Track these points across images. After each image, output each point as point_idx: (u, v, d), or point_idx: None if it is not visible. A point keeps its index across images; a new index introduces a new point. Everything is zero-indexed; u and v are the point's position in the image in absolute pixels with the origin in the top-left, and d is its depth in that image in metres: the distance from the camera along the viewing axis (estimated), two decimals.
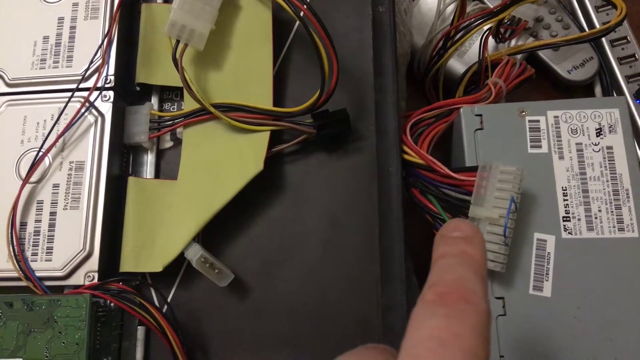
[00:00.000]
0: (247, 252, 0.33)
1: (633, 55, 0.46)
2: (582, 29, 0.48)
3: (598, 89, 0.47)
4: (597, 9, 0.48)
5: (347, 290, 0.32)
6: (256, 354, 0.32)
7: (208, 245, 0.32)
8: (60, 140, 0.32)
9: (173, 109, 0.36)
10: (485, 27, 0.43)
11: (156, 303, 0.32)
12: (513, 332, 0.30)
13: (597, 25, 0.47)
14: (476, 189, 0.30)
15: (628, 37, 0.47)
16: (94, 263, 0.31)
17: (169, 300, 0.32)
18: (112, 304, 0.31)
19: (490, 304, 0.30)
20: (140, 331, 0.32)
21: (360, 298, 0.32)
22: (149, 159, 0.34)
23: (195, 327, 0.32)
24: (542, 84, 0.47)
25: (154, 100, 0.35)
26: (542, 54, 0.47)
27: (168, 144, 0.35)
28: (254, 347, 0.32)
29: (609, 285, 0.30)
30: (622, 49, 0.47)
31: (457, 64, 0.46)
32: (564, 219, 0.31)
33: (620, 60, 0.47)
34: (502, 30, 0.45)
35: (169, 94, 0.36)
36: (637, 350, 0.29)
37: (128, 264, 0.31)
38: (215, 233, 0.33)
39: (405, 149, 0.34)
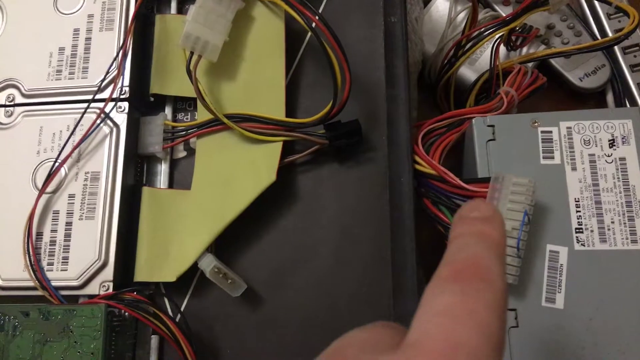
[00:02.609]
0: (259, 262, 0.33)
1: None
2: (594, 36, 0.47)
3: (610, 97, 0.47)
4: (609, 16, 0.48)
5: (359, 301, 0.32)
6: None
7: (220, 255, 0.33)
8: (76, 150, 0.33)
9: (187, 119, 0.36)
10: (497, 35, 0.43)
11: (170, 312, 0.32)
12: (525, 344, 0.30)
13: (609, 32, 0.47)
14: (488, 200, 0.30)
15: None
16: (109, 273, 0.31)
17: (182, 309, 0.33)
18: (126, 314, 0.31)
19: None
20: (154, 340, 0.32)
21: (372, 309, 0.32)
22: (163, 168, 0.35)
23: (208, 337, 0.32)
24: (553, 91, 0.47)
25: (168, 111, 0.36)
26: (554, 61, 0.47)
27: (182, 154, 0.35)
28: (265, 356, 0.32)
29: (622, 297, 0.30)
30: (635, 56, 0.47)
31: (468, 72, 0.46)
32: (577, 230, 0.31)
33: (632, 67, 0.46)
34: (513, 38, 0.45)
35: (183, 104, 0.36)
36: None
37: (142, 273, 0.32)
38: (228, 243, 0.33)
39: (417, 159, 0.34)
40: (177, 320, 0.31)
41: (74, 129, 0.33)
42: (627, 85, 0.46)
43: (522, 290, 0.30)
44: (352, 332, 0.20)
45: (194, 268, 0.32)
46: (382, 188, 0.33)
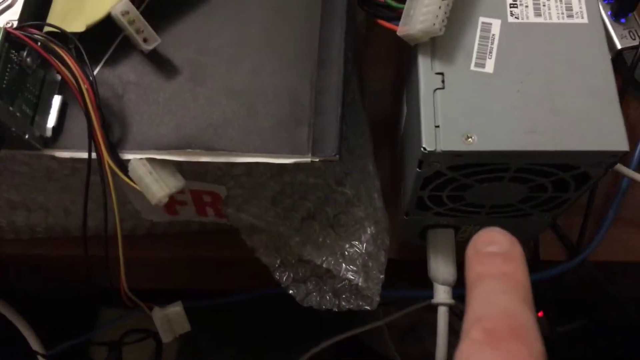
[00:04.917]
0: (185, 38, 0.32)
1: None
2: None
3: None
4: None
5: (284, 70, 0.30)
6: (179, 128, 0.29)
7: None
8: None
9: None
10: None
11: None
12: (451, 104, 0.28)
13: None
14: None
15: None
16: (15, 13, 0.29)
17: (95, 72, 0.31)
18: (29, 60, 0.29)
19: (429, 79, 0.28)
20: (56, 100, 0.30)
21: (296, 78, 0.30)
22: None
23: (118, 105, 0.30)
24: None
25: None
26: None
27: None
28: (177, 124, 0.30)
29: (555, 63, 0.28)
30: None
31: None
32: (511, 5, 0.30)
33: None
34: None
35: None
36: (578, 122, 0.27)
37: (54, 18, 0.30)
38: (155, 18, 0.31)
39: None
40: (89, 78, 0.29)
41: None
42: None
43: (451, 56, 0.29)
44: None
45: (112, 32, 0.30)
46: None
